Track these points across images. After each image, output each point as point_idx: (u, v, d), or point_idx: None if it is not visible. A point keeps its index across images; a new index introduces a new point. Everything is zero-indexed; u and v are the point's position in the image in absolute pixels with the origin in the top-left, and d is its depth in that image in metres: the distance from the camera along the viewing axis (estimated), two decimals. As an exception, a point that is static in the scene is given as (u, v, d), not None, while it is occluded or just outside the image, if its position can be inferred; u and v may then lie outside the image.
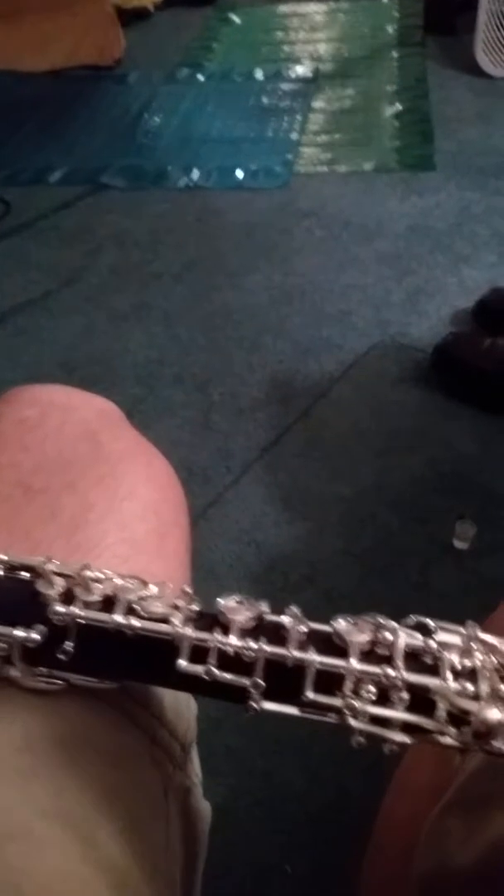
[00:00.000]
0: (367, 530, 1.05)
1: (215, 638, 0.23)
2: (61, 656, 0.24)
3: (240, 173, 1.80)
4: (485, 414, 1.18)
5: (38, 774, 0.24)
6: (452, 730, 0.23)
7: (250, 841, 0.79)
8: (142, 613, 0.24)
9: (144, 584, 0.26)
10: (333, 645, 0.24)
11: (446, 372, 1.22)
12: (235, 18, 2.65)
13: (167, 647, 0.24)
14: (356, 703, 0.23)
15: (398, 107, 2.07)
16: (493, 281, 1.42)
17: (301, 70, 2.26)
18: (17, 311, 1.44)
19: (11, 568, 0.26)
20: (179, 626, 0.24)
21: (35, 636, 0.24)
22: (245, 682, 0.23)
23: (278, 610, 0.26)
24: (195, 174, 1.81)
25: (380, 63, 2.31)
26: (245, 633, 0.24)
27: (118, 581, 0.26)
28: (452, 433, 1.17)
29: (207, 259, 1.59)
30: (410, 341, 1.35)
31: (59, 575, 0.26)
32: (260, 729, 0.84)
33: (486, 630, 0.25)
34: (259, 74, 2.25)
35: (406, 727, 0.23)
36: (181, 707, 0.30)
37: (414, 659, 0.24)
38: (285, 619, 0.24)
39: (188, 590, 0.26)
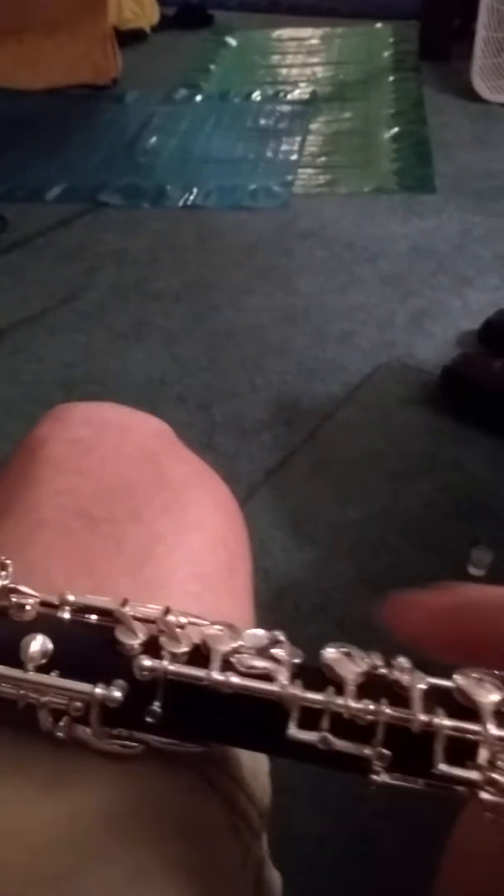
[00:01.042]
0: (380, 557, 1.02)
1: (331, 699, 0.20)
2: (149, 718, 0.21)
3: (239, 193, 1.79)
4: (497, 436, 1.16)
5: (116, 858, 0.21)
6: None
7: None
8: (240, 668, 0.21)
9: (235, 630, 0.23)
10: (457, 704, 0.21)
11: (456, 394, 1.21)
12: (232, 41, 2.66)
13: (273, 710, 0.20)
14: (497, 776, 0.20)
15: (395, 130, 2.09)
16: (497, 303, 1.41)
17: (298, 93, 2.27)
18: (15, 328, 1.41)
19: (82, 610, 0.23)
20: (287, 685, 0.21)
21: (117, 694, 0.21)
22: (367, 751, 0.20)
23: (385, 660, 0.23)
24: (194, 193, 1.79)
25: (376, 87, 2.33)
26: (359, 689, 0.21)
27: (207, 628, 0.22)
28: (463, 456, 1.15)
29: (207, 278, 1.57)
30: (416, 362, 1.33)
31: (140, 620, 0.22)
32: (273, 769, 0.80)
33: None
34: (257, 96, 2.25)
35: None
36: (258, 766, 0.27)
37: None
38: (402, 675, 0.21)
39: (282, 638, 0.23)
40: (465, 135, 2.04)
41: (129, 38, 2.56)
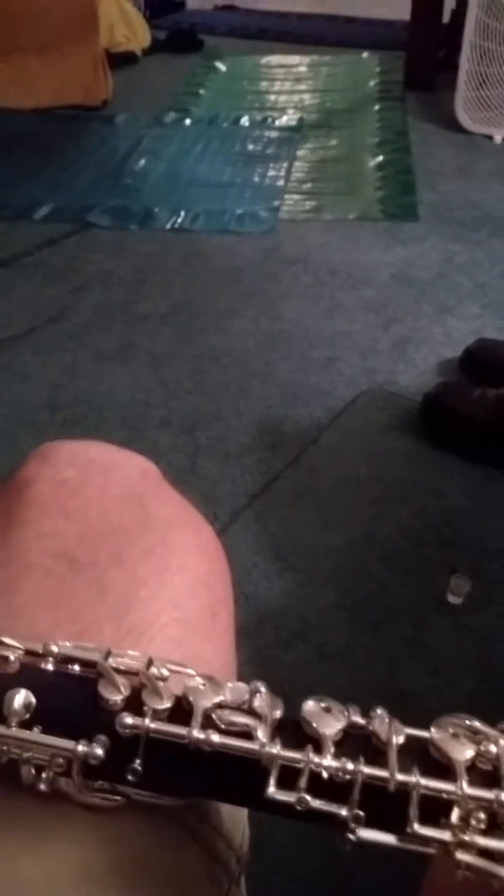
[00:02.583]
0: (360, 583, 1.03)
1: (309, 758, 0.21)
2: (130, 776, 0.21)
3: (226, 217, 1.81)
4: (474, 464, 1.17)
5: None
6: None
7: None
8: (221, 725, 0.21)
9: (217, 684, 0.23)
10: (433, 760, 0.22)
11: (436, 421, 1.22)
12: (221, 67, 2.70)
13: (253, 768, 0.21)
14: (468, 837, 0.20)
15: (380, 158, 2.12)
16: (477, 332, 1.43)
17: (286, 119, 2.30)
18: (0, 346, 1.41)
19: (66, 660, 0.23)
20: (267, 743, 0.21)
21: (99, 752, 0.21)
22: (343, 812, 0.20)
23: (363, 712, 0.23)
24: (182, 216, 1.81)
25: (362, 116, 2.37)
26: (337, 746, 0.21)
27: (189, 681, 0.23)
28: (443, 484, 1.16)
29: (194, 301, 1.58)
30: (398, 389, 1.34)
31: (122, 673, 0.23)
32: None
33: None
34: (245, 121, 2.28)
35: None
36: (237, 812, 0.27)
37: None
38: (380, 728, 0.22)
39: (263, 689, 0.23)
40: (447, 165, 2.08)
41: (120, 61, 2.59)
